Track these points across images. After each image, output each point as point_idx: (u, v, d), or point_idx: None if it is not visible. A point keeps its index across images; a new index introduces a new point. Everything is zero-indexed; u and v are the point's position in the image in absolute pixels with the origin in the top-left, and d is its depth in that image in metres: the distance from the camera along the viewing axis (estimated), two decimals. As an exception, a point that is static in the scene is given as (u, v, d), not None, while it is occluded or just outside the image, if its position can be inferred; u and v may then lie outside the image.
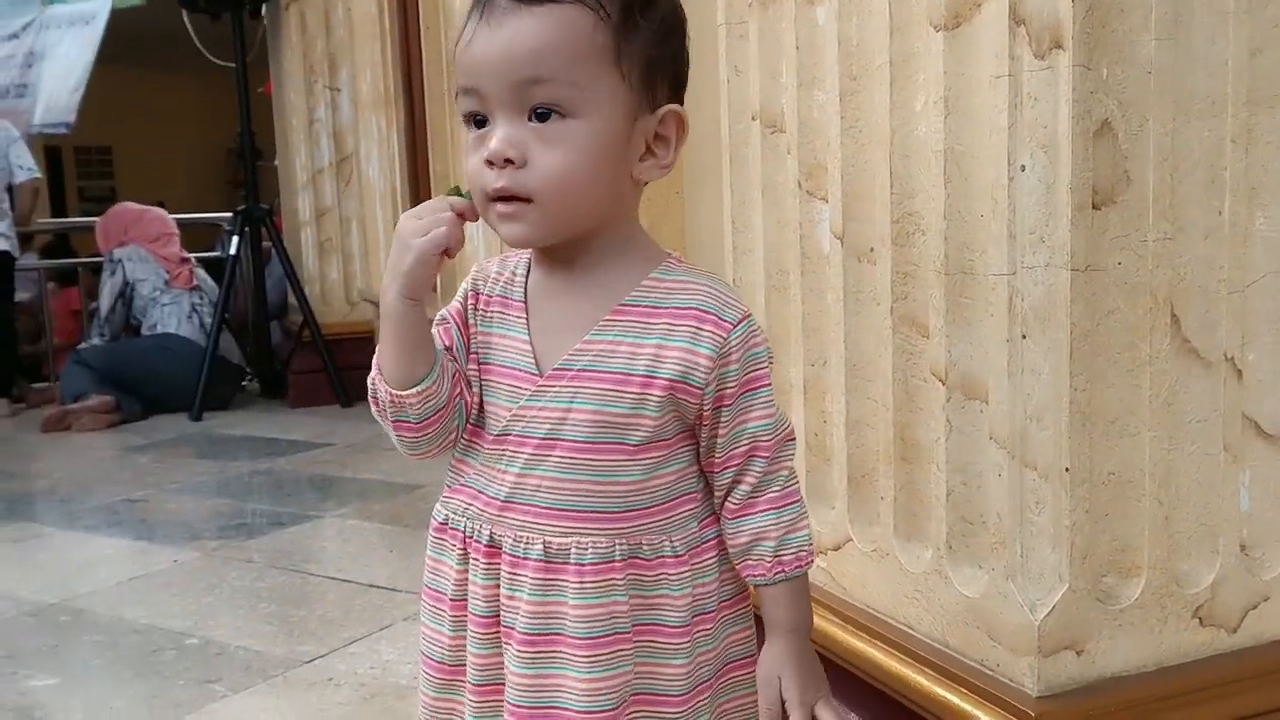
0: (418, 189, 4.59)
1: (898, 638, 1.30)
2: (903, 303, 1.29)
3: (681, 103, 0.97)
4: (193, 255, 5.54)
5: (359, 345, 5.18)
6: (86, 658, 2.31)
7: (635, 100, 0.92)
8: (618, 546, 0.95)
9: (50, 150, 8.88)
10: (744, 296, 1.63)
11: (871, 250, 1.35)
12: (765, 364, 0.97)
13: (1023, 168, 1.12)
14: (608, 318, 0.95)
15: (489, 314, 1.01)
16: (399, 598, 2.53)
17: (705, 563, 0.99)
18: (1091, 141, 1.11)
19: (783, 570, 0.98)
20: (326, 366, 5.05)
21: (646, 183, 0.98)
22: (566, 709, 0.95)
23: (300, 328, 5.11)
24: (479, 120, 0.92)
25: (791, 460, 0.99)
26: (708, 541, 1.00)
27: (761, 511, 0.97)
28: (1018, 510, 1.15)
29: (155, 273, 5.30)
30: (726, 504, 0.99)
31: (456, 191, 0.97)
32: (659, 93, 0.94)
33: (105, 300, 5.28)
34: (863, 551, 1.38)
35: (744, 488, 0.97)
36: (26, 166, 5.34)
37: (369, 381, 1.00)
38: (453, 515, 1.02)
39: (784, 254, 1.52)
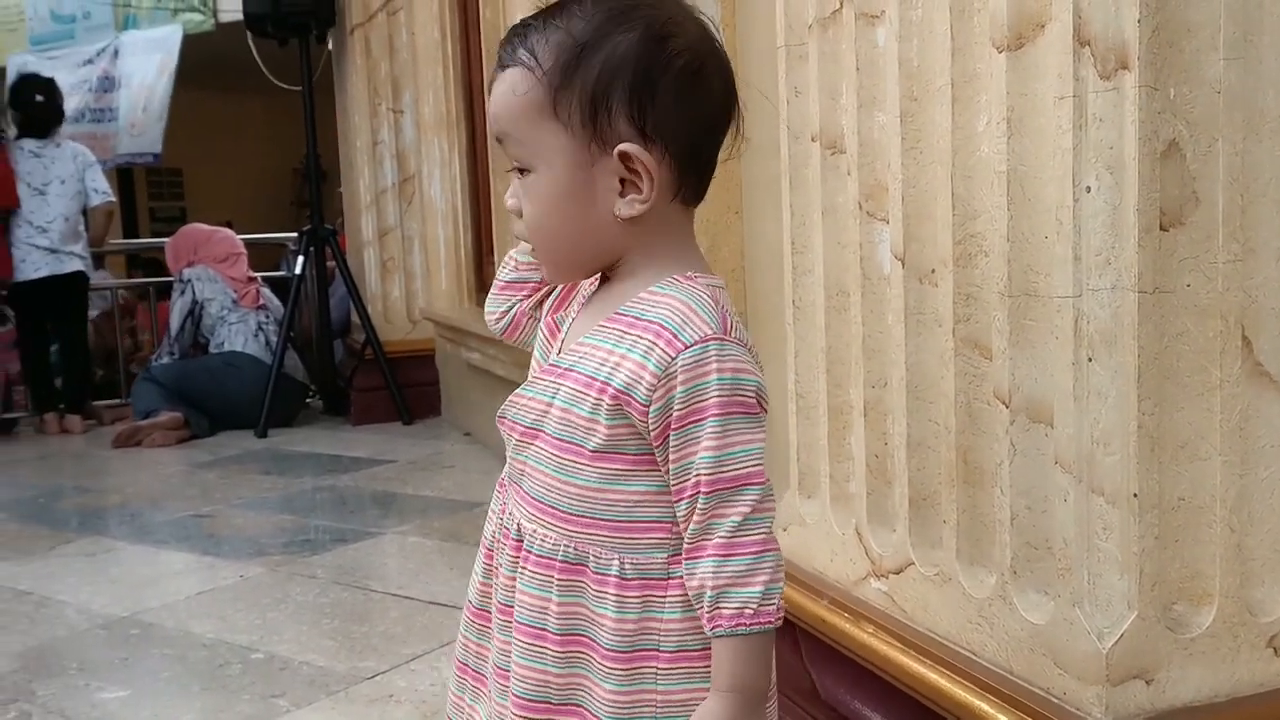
0: (478, 209, 4.64)
1: (961, 664, 1.29)
2: (965, 324, 1.28)
3: (656, 135, 0.93)
4: (259, 275, 5.65)
5: (420, 363, 5.24)
6: (155, 670, 2.36)
7: (582, 146, 0.94)
8: (563, 547, 0.97)
9: (122, 173, 9.10)
10: (804, 316, 1.63)
11: (933, 272, 1.34)
12: (717, 395, 0.90)
13: (1088, 189, 1.11)
14: (600, 324, 0.98)
15: (563, 302, 1.07)
16: (459, 615, 2.54)
17: (666, 598, 0.95)
18: (1159, 162, 1.09)
19: (719, 624, 0.91)
20: (388, 384, 5.11)
21: (640, 215, 0.96)
22: (503, 670, 1.01)
23: (363, 346, 5.18)
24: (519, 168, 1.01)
25: (745, 507, 0.91)
26: (674, 579, 0.95)
27: (706, 557, 0.92)
28: (1084, 536, 1.14)
29: (223, 292, 5.41)
30: (684, 544, 0.94)
31: None
32: (611, 132, 0.93)
33: (175, 319, 5.40)
34: (925, 575, 1.37)
35: (692, 527, 0.92)
36: (101, 190, 5.49)
37: (504, 259, 1.16)
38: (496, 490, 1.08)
39: (844, 275, 1.52)
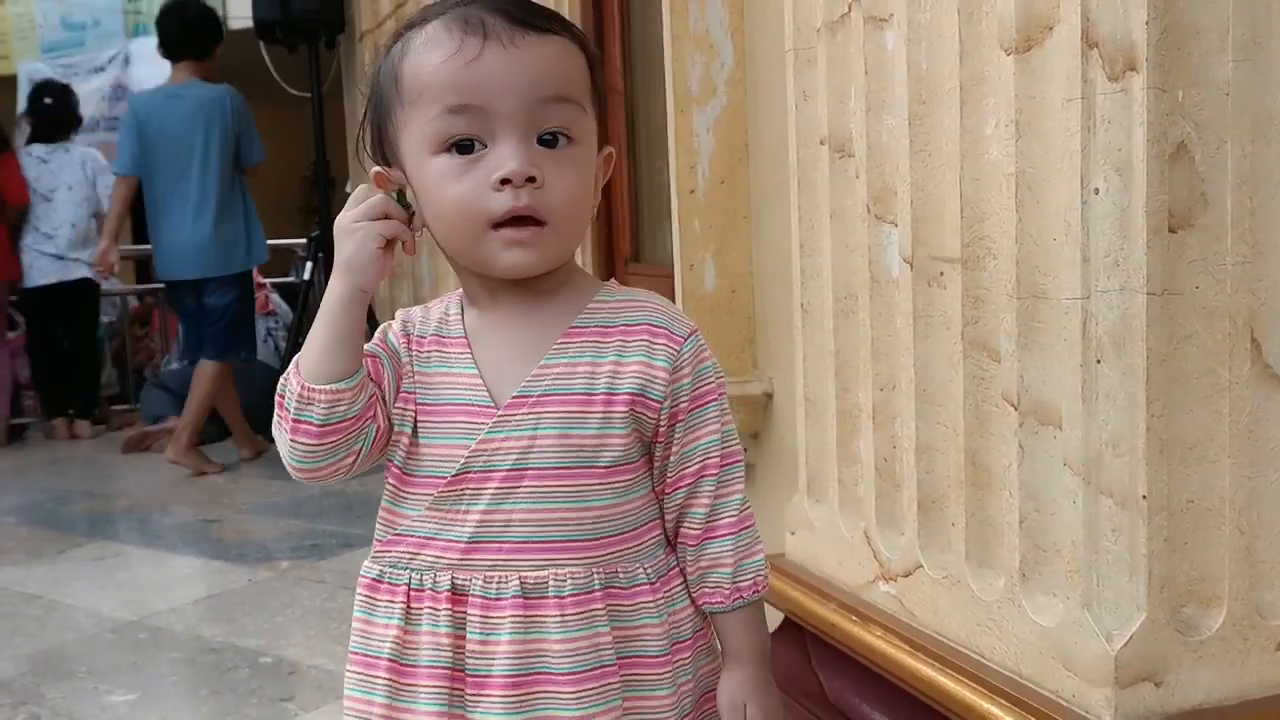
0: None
1: (970, 666, 1.28)
2: (973, 327, 1.28)
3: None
4: (268, 280, 5.67)
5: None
6: (164, 674, 2.37)
7: (597, 133, 0.96)
8: (596, 576, 0.93)
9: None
10: (813, 320, 1.63)
11: (941, 274, 1.34)
12: (713, 379, 0.97)
13: (1096, 191, 1.11)
14: (561, 340, 0.94)
15: (425, 354, 0.97)
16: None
17: (675, 589, 0.99)
18: (1167, 164, 1.09)
19: (740, 597, 0.97)
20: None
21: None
22: None
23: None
24: (464, 145, 0.89)
25: (741, 483, 0.98)
26: (674, 568, 0.99)
27: (720, 537, 0.96)
28: (1093, 538, 1.14)
29: (232, 298, 5.42)
30: (683, 530, 0.98)
31: (401, 198, 0.94)
32: (603, 129, 0.98)
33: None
34: (933, 578, 1.37)
35: (699, 511, 0.96)
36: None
37: (280, 380, 0.93)
38: (390, 569, 0.95)
39: (852, 278, 1.52)
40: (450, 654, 0.93)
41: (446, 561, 0.93)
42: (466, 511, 0.93)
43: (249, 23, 5.52)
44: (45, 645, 2.55)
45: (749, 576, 0.97)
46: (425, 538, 0.94)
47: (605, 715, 0.92)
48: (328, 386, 0.91)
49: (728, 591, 0.96)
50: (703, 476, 0.95)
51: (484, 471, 0.92)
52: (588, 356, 0.93)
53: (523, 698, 0.92)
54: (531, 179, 0.88)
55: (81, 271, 5.30)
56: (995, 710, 1.22)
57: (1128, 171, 1.10)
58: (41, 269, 5.21)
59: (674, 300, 2.34)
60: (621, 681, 0.94)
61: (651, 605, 0.95)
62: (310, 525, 3.56)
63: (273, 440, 0.95)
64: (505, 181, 0.88)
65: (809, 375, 1.65)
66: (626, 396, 0.92)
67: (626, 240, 3.13)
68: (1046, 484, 1.19)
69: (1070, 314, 1.14)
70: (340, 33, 5.38)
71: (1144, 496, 1.10)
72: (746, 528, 0.97)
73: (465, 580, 0.92)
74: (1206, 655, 1.14)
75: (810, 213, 1.62)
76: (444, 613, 0.92)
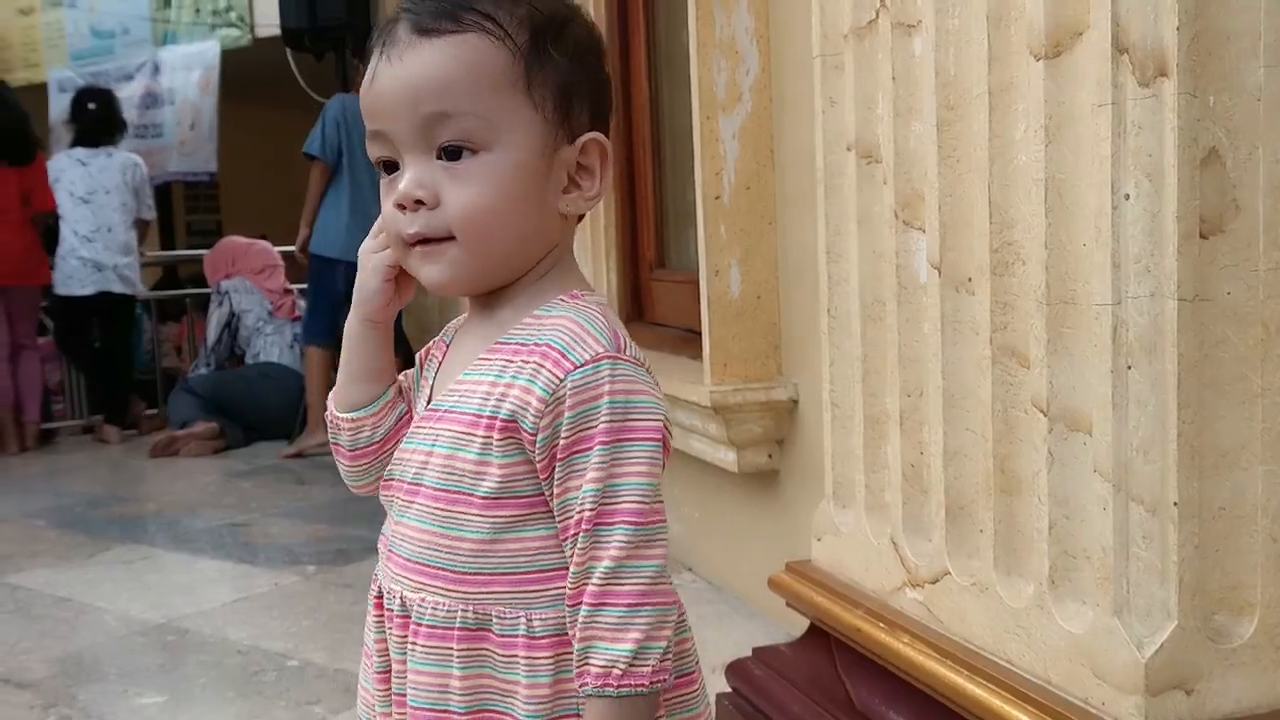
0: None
1: (998, 673, 1.28)
2: (1002, 333, 1.28)
3: (606, 131, 0.90)
4: (295, 287, 5.70)
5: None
6: (192, 677, 2.39)
7: (551, 131, 0.86)
8: (460, 612, 0.85)
9: (159, 186, 9.21)
10: (840, 326, 1.63)
11: (970, 280, 1.34)
12: (607, 421, 0.81)
13: (1127, 196, 1.11)
14: (481, 357, 0.88)
15: (429, 357, 0.97)
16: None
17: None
18: (1198, 170, 1.09)
19: (585, 683, 0.81)
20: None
21: (579, 216, 0.92)
22: None
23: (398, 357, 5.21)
24: (389, 165, 0.87)
25: (627, 551, 0.81)
26: None
27: (580, 604, 0.81)
28: (1123, 545, 1.13)
29: (259, 304, 5.47)
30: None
31: None
32: (577, 121, 0.88)
33: (212, 330, 5.47)
34: (961, 585, 1.36)
35: (574, 570, 0.82)
36: (150, 205, 5.56)
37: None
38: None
39: (880, 284, 1.52)
40: (376, 657, 0.93)
41: (382, 567, 0.93)
42: (393, 519, 0.92)
43: (276, 31, 5.56)
44: (75, 647, 2.57)
45: (600, 663, 0.80)
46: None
47: None
48: (348, 415, 0.94)
49: (579, 671, 0.82)
50: (579, 531, 0.82)
51: (399, 480, 0.90)
52: (492, 375, 0.86)
53: (400, 715, 0.90)
54: (420, 201, 0.84)
55: (120, 288, 5.29)
56: (1024, 717, 1.22)
57: (1158, 177, 1.09)
58: (80, 279, 5.20)
59: (699, 306, 2.35)
60: None
61: (524, 661, 0.84)
62: (337, 530, 3.57)
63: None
64: (401, 205, 0.86)
65: (836, 381, 1.65)
66: (500, 422, 0.83)
67: (651, 247, 3.13)
68: (1076, 490, 1.19)
69: (1101, 320, 1.13)
70: (367, 39, 5.41)
71: (1175, 503, 1.10)
72: (610, 604, 0.80)
73: (385, 588, 0.92)
74: (1238, 663, 1.13)
75: (837, 219, 1.62)
76: (372, 616, 0.93)
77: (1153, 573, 1.11)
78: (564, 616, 0.84)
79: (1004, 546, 1.29)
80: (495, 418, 0.84)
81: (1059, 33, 1.16)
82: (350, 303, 0.95)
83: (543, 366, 0.83)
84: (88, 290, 5.22)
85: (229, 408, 5.13)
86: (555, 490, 0.83)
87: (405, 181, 0.85)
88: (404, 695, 0.89)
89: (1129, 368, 1.11)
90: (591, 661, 0.81)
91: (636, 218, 3.20)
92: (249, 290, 5.47)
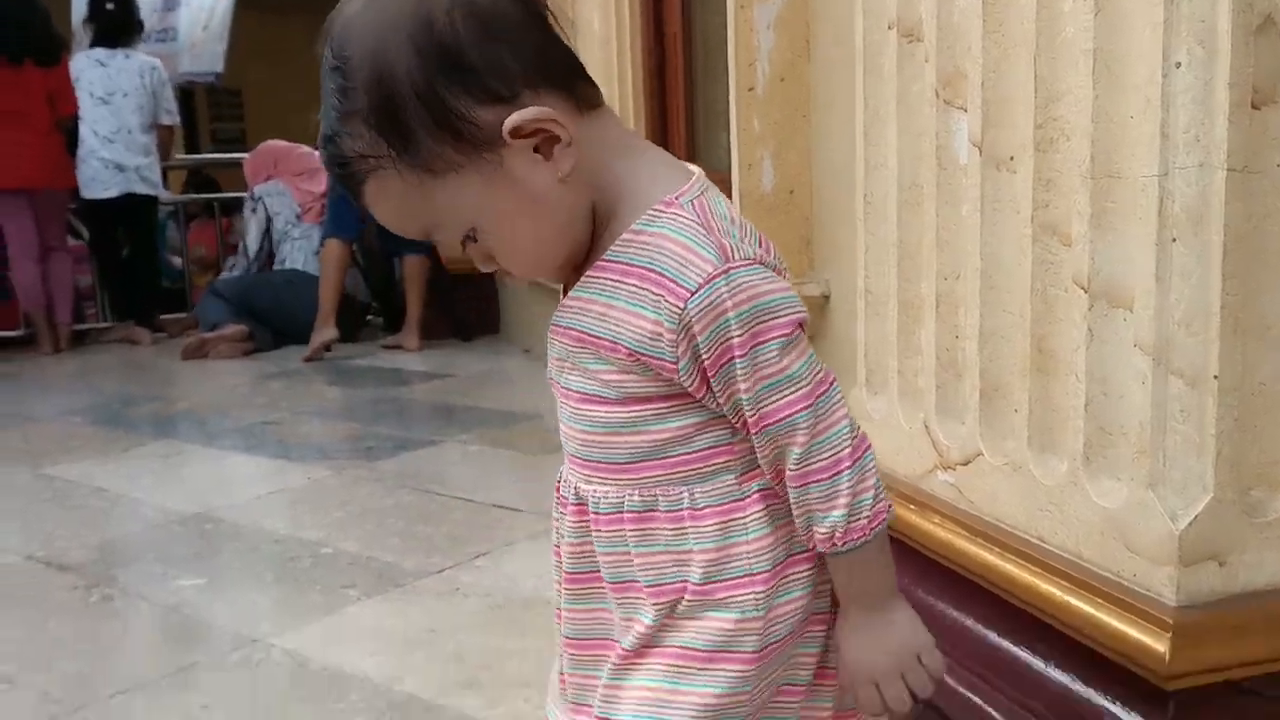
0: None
1: (1029, 550, 1.29)
2: (1044, 210, 1.26)
3: (509, 89, 0.84)
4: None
5: (480, 282, 5.28)
6: (229, 562, 2.44)
7: (474, 165, 0.84)
8: (628, 498, 0.92)
9: (184, 94, 9.16)
10: (875, 211, 1.62)
11: (1011, 158, 1.32)
12: (737, 335, 0.85)
13: (1178, 65, 1.08)
14: (588, 274, 0.90)
15: None
16: (522, 517, 2.59)
17: (747, 518, 0.92)
18: (1253, 37, 1.06)
19: (818, 546, 0.91)
20: (448, 303, 5.15)
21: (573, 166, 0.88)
22: (607, 638, 0.98)
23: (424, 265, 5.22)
24: None
25: (807, 436, 0.87)
26: (749, 496, 0.92)
27: (789, 484, 0.90)
28: (1161, 419, 1.13)
29: (289, 206, 5.48)
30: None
31: None
32: (482, 126, 0.83)
33: (253, 238, 5.49)
34: (994, 465, 1.37)
35: (763, 459, 0.90)
36: (170, 110, 5.54)
37: None
38: None
39: (918, 166, 1.50)
40: (555, 534, 1.02)
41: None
42: (559, 418, 0.99)
43: None
44: (113, 535, 2.63)
45: (823, 531, 0.90)
46: None
47: (637, 623, 0.94)
48: None
49: (806, 536, 0.92)
50: (756, 431, 0.88)
51: (554, 381, 0.97)
52: (604, 296, 0.88)
53: (579, 592, 0.98)
54: (464, 242, 0.90)
55: (143, 189, 5.32)
56: (1055, 592, 1.23)
57: (1211, 44, 1.07)
58: (104, 181, 5.24)
59: (731, 201, 2.33)
60: (660, 605, 0.93)
61: (695, 532, 0.92)
62: (366, 428, 3.62)
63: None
64: None
65: (870, 268, 1.64)
66: (627, 350, 0.88)
67: (682, 148, 3.10)
68: (1115, 367, 1.18)
69: (1147, 192, 1.12)
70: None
71: (1215, 377, 1.09)
72: (812, 482, 0.88)
73: (564, 477, 1.00)
74: (1272, 537, 1.13)
75: (876, 101, 1.59)
76: (555, 499, 1.01)
77: (1190, 446, 1.11)
78: (725, 487, 0.92)
79: (1038, 426, 1.29)
80: (617, 343, 0.88)
81: (1114, -105, 1.13)
82: None
83: (660, 296, 0.85)
84: (112, 192, 5.24)
85: (257, 311, 5.16)
86: (721, 400, 0.88)
87: (476, 262, 0.93)
88: (567, 570, 0.98)
89: (1174, 240, 1.10)
90: (815, 530, 0.90)
91: (667, 117, 3.17)
92: (280, 193, 5.48)
